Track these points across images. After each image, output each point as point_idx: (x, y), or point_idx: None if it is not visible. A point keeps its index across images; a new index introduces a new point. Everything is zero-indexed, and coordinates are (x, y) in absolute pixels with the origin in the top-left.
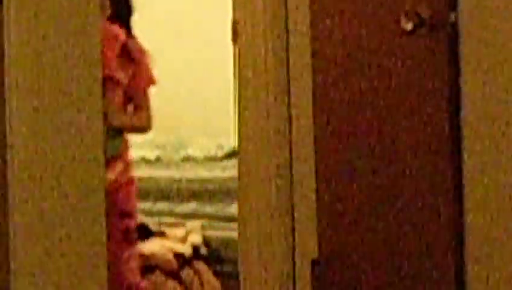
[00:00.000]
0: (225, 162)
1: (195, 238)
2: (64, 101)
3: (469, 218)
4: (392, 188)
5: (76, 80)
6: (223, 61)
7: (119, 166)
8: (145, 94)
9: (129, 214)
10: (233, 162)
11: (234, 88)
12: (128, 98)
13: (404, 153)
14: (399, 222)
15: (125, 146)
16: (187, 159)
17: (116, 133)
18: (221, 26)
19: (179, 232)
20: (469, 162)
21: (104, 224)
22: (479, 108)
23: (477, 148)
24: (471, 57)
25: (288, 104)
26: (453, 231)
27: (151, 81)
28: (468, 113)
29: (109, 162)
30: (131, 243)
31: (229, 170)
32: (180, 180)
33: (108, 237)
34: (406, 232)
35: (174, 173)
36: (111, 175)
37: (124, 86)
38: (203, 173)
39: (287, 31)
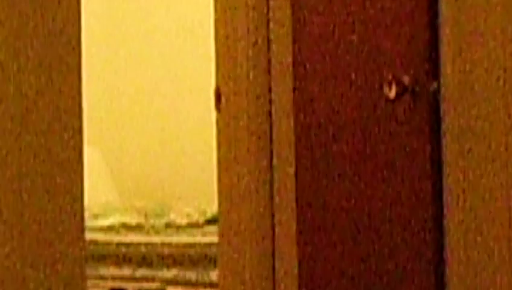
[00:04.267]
0: (207, 228)
1: None
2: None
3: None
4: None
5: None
6: (207, 128)
7: None
8: None
9: None
10: (215, 227)
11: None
12: None
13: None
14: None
15: None
16: (169, 225)
17: None
18: (204, 92)
19: None
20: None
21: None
22: (460, 169)
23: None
24: (452, 124)
25: (271, 171)
26: (432, 233)
27: None
28: (450, 173)
29: None
30: None
31: (211, 236)
32: (161, 246)
33: None
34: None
35: (155, 239)
36: None
37: None
38: (184, 238)
39: (270, 100)
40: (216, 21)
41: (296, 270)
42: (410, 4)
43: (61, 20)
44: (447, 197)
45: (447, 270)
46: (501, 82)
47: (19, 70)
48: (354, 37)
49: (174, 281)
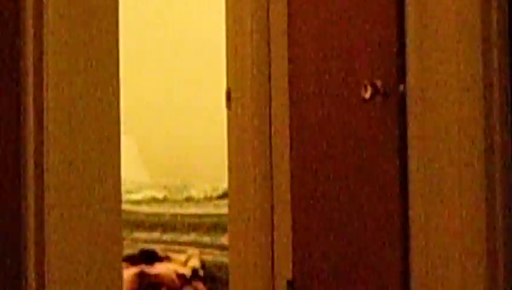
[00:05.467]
0: (219, 201)
1: (194, 262)
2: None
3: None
4: (351, 218)
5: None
6: (220, 123)
7: None
8: None
9: None
10: (226, 201)
11: (228, 144)
12: None
13: (360, 196)
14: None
15: None
16: (189, 199)
17: None
18: (217, 94)
19: (181, 257)
20: (414, 193)
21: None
22: (422, 159)
23: (421, 186)
24: (416, 119)
25: (270, 158)
26: (398, 210)
27: None
28: (414, 162)
29: None
30: None
31: (222, 208)
32: (182, 216)
33: None
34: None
35: (177, 210)
36: None
37: None
38: (201, 210)
39: (270, 100)
40: (227, 37)
41: (290, 235)
42: (382, 21)
43: (101, 25)
44: (412, 177)
45: (411, 243)
46: (455, 85)
47: (69, 71)
48: (338, 49)
49: (192, 244)
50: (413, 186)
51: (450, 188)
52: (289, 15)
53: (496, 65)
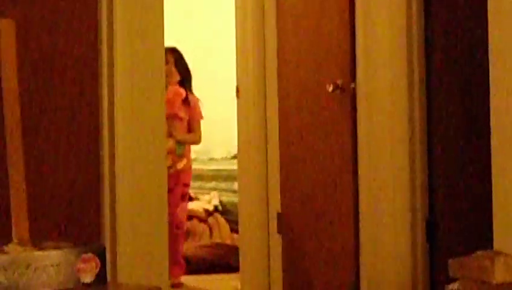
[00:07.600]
0: (231, 160)
1: (215, 201)
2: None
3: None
4: (317, 175)
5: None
6: (232, 109)
7: (184, 160)
8: (197, 123)
9: (187, 185)
10: (236, 160)
11: (237, 121)
12: (188, 127)
13: (321, 159)
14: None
15: (188, 150)
16: (211, 159)
17: (180, 144)
18: (231, 87)
19: (206, 197)
20: (362, 167)
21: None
22: (367, 131)
23: (368, 156)
24: (362, 106)
25: (265, 130)
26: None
27: (200, 116)
28: (361, 133)
29: (179, 157)
30: (185, 200)
31: (234, 165)
32: (207, 170)
33: (175, 196)
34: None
35: (204, 166)
36: (181, 164)
37: (185, 120)
38: (220, 166)
39: (265, 92)
40: (237, 53)
41: (278, 183)
42: (341, 40)
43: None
44: (359, 142)
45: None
46: (387, 84)
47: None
48: (311, 57)
49: (214, 189)
50: (360, 147)
51: (384, 149)
52: (278, 36)
53: (416, 74)
